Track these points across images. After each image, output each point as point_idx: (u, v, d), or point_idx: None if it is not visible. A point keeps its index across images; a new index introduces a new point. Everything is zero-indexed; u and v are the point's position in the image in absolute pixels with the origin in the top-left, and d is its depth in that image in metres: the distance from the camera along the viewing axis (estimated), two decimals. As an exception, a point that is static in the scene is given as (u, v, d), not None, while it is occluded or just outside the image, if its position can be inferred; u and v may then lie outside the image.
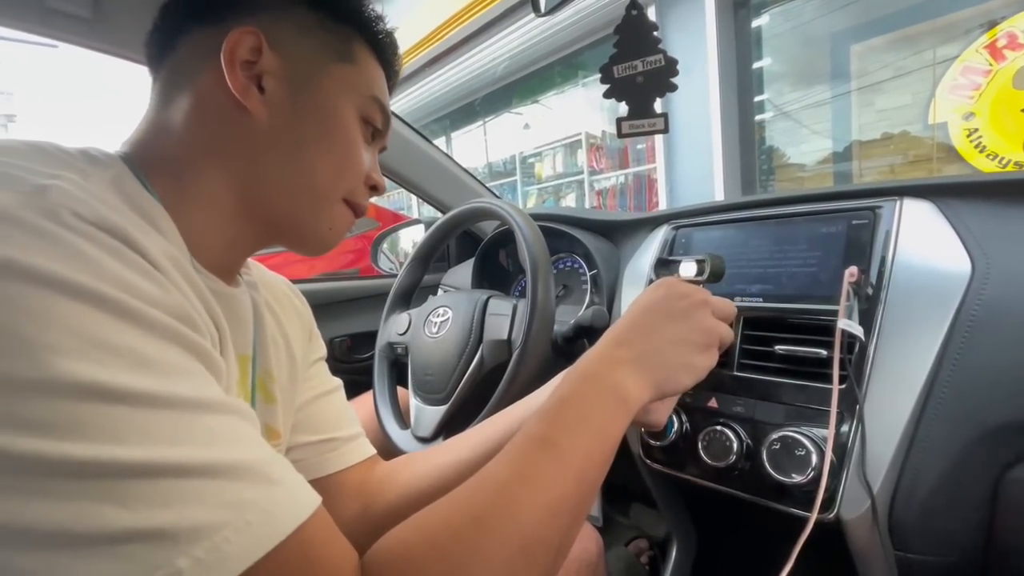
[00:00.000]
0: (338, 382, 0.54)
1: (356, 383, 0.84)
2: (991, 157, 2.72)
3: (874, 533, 0.45)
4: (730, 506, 0.56)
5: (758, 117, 3.53)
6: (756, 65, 3.47)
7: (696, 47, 3.27)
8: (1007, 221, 0.45)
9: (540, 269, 0.59)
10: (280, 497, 0.24)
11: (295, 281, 0.58)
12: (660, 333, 0.40)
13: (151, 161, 0.35)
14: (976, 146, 2.75)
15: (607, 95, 0.48)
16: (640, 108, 0.47)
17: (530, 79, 4.82)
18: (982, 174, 0.58)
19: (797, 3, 3.28)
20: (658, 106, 0.48)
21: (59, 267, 0.22)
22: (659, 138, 3.76)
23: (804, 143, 3.43)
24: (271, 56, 0.36)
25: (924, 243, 0.47)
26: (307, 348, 0.51)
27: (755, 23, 3.43)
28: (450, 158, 1.08)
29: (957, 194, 0.48)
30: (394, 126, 0.97)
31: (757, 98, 3.50)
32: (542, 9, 0.53)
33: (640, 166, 4.29)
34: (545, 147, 5.03)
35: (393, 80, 0.46)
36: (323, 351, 0.54)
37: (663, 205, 3.78)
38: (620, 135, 0.47)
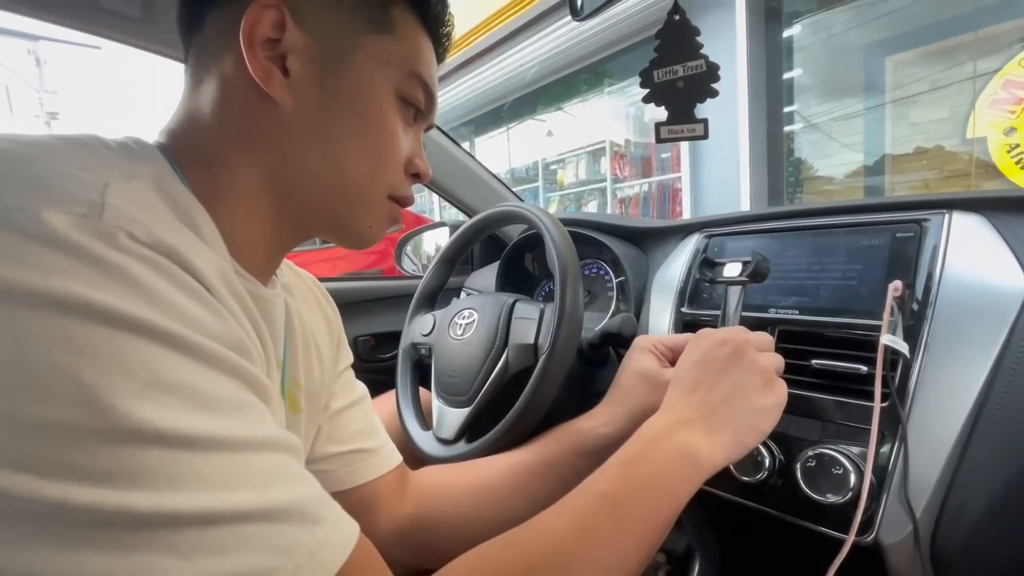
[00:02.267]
0: (364, 390, 0.53)
1: (379, 382, 0.84)
2: (1033, 174, 2.62)
3: (915, 559, 0.43)
4: (757, 523, 0.54)
5: (787, 128, 3.47)
6: (786, 76, 3.42)
7: (726, 56, 3.23)
8: (1066, 238, 0.43)
9: (569, 274, 0.59)
10: (326, 536, 0.24)
11: (321, 280, 0.58)
12: (718, 387, 0.39)
13: (185, 153, 0.32)
14: (1017, 162, 2.66)
15: (646, 100, 0.47)
16: (680, 113, 0.46)
17: (555, 86, 4.83)
18: None
19: (830, 14, 3.23)
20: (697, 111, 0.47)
21: (118, 301, 0.21)
22: (684, 147, 3.73)
23: (833, 156, 3.36)
24: (296, 33, 0.32)
25: (975, 258, 0.45)
26: (335, 356, 0.49)
27: (786, 33, 3.38)
28: (477, 161, 1.09)
29: (1011, 208, 0.46)
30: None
31: (786, 109, 3.44)
32: (581, 13, 0.53)
33: (664, 175, 4.26)
34: (568, 154, 5.03)
35: (443, 50, 0.41)
36: (350, 358, 0.52)
37: (687, 215, 3.74)
38: (658, 140, 0.47)
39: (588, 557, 0.30)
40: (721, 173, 3.48)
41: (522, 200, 1.17)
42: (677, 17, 0.45)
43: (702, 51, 0.45)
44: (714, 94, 0.46)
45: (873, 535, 0.43)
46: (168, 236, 0.24)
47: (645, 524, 0.33)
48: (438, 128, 1.01)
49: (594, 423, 0.50)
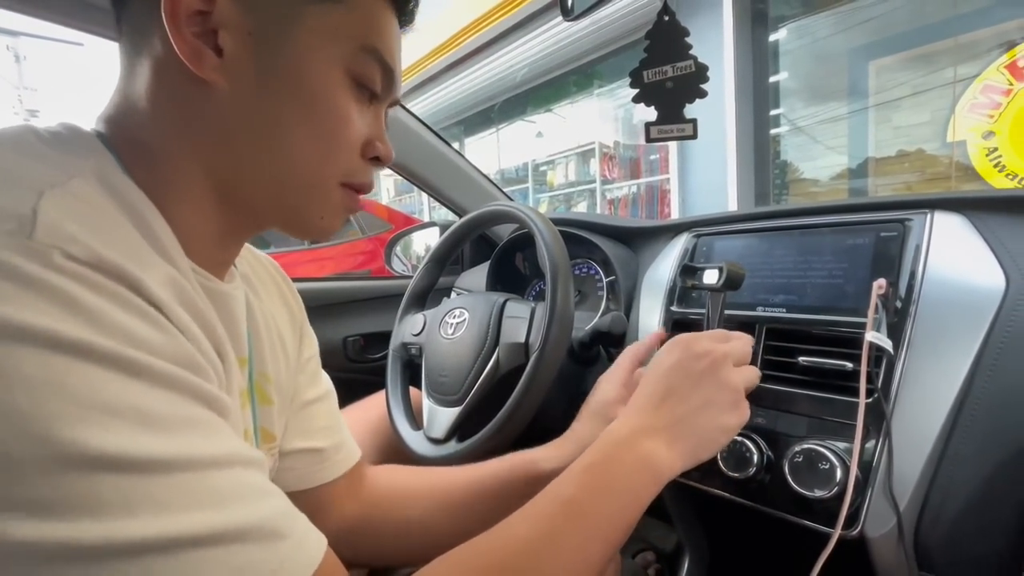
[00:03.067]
0: (329, 383, 0.52)
1: (369, 383, 0.84)
2: (1010, 176, 2.69)
3: (899, 552, 0.43)
4: (745, 519, 0.55)
5: (773, 131, 3.52)
6: (772, 79, 3.46)
7: (713, 59, 3.27)
8: (1043, 237, 0.44)
9: (560, 273, 0.59)
10: (290, 552, 0.24)
11: (305, 279, 0.57)
12: (688, 400, 0.40)
13: (126, 143, 0.30)
14: (995, 165, 2.73)
15: (636, 99, 0.48)
16: (669, 113, 0.46)
17: (545, 87, 4.85)
18: (1017, 189, 0.57)
19: (815, 18, 3.28)
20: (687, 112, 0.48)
21: (54, 323, 0.20)
22: (673, 149, 3.76)
23: (819, 159, 3.42)
24: (227, 5, 0.28)
25: (956, 257, 0.46)
26: (299, 345, 0.47)
27: (772, 37, 3.43)
28: (467, 160, 1.08)
29: (991, 208, 0.47)
30: (412, 126, 0.99)
31: (772, 112, 3.49)
32: (571, 13, 0.53)
33: (653, 176, 4.29)
34: (558, 155, 5.05)
35: (406, 17, 0.36)
36: (315, 347, 0.50)
37: (675, 216, 3.77)
38: (648, 140, 0.47)
39: (554, 560, 0.31)
40: (709, 175, 3.51)
41: (509, 197, 1.17)
42: (667, 18, 0.45)
43: (691, 52, 0.46)
44: (703, 94, 0.46)
45: (858, 529, 0.44)
46: (111, 251, 0.23)
47: (608, 527, 0.34)
48: (428, 127, 1.01)
49: (551, 455, 0.50)
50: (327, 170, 0.33)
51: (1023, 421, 0.40)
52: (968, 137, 2.79)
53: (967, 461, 0.41)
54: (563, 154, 4.99)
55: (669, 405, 0.39)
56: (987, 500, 0.41)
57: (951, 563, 0.43)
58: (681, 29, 0.45)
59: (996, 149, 2.71)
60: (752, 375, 0.43)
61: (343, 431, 0.50)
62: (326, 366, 0.53)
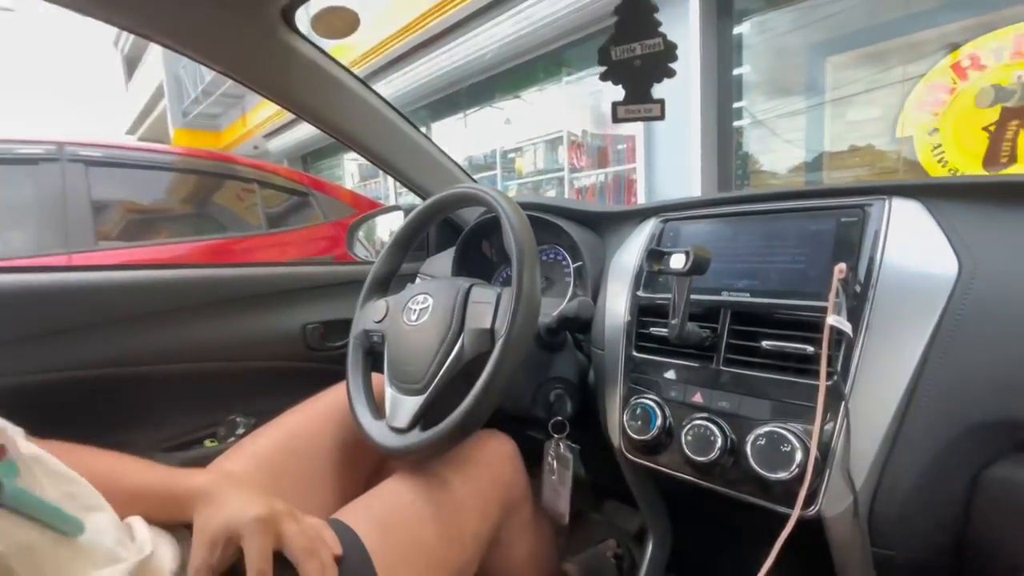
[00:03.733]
0: None
1: (330, 372, 0.81)
2: (952, 172, 2.83)
3: (854, 530, 0.45)
4: (707, 501, 0.55)
5: (735, 124, 3.59)
6: (736, 72, 3.53)
7: (679, 49, 3.29)
8: (994, 223, 0.46)
9: (526, 257, 0.57)
10: None
11: (263, 264, 0.53)
12: None
13: None
14: (939, 161, 2.87)
15: (603, 77, 0.46)
16: (637, 93, 0.45)
17: (513, 73, 4.79)
18: (970, 176, 0.59)
19: (776, 13, 3.35)
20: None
21: None
22: (640, 139, 3.80)
23: (777, 151, 3.52)
24: None
25: (912, 242, 0.47)
26: None
27: (736, 30, 3.48)
28: (433, 143, 1.05)
29: (945, 195, 0.48)
30: (377, 107, 0.95)
31: (735, 105, 3.56)
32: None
33: (620, 166, 4.32)
34: (526, 142, 5.02)
35: None
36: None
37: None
38: (615, 119, 0.46)
39: None
40: (674, 165, 3.57)
41: (473, 180, 1.15)
42: (636, -7, 0.44)
43: (660, 29, 0.45)
44: (671, 74, 0.45)
45: (816, 509, 0.45)
46: None
47: None
48: (393, 108, 0.97)
49: None
50: None
51: (971, 402, 0.42)
52: (915, 133, 2.93)
53: (919, 441, 0.43)
54: (531, 141, 4.97)
55: None
56: (937, 477, 0.43)
57: (901, 537, 0.45)
58: (650, 5, 0.44)
59: (940, 146, 2.86)
60: None
61: None
62: (285, 355, 0.49)
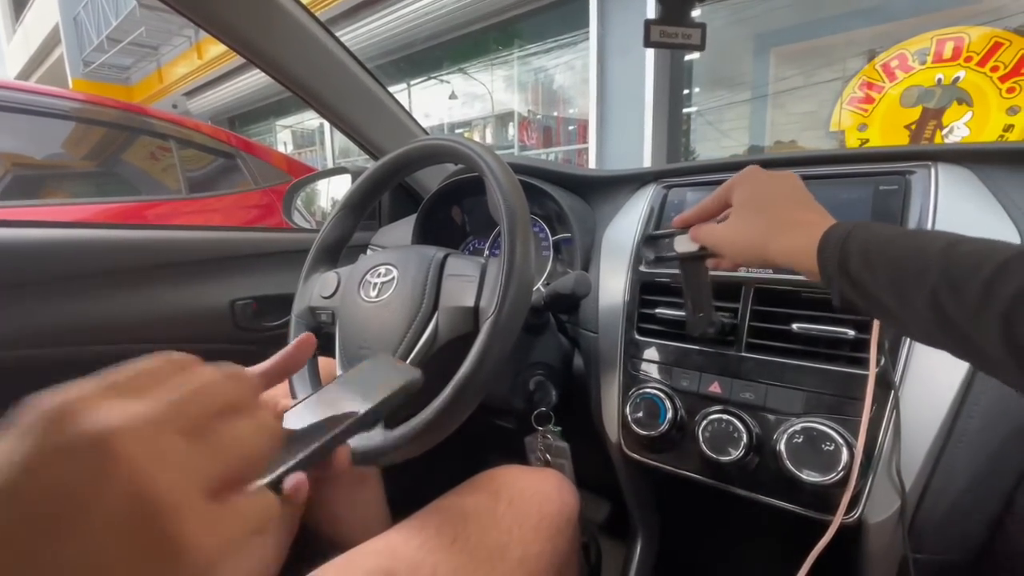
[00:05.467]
0: None
1: (263, 356, 0.67)
2: (878, 167, 3.02)
3: (896, 536, 0.40)
4: (705, 501, 0.49)
5: (684, 110, 3.64)
6: (687, 58, 3.56)
7: (635, 28, 3.26)
8: (1054, 193, 0.41)
9: (519, 224, 0.48)
10: None
11: (184, 227, 0.40)
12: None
13: None
14: (865, 156, 3.05)
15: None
16: (676, 11, 0.36)
17: (463, 42, 4.58)
18: (1018, 142, 0.56)
19: (724, 3, 3.39)
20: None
21: None
22: (592, 118, 3.75)
23: (722, 140, 3.61)
24: None
25: (964, 213, 0.42)
26: None
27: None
28: (390, 95, 0.92)
29: (998, 161, 0.44)
30: (330, 48, 0.80)
31: (685, 91, 3.61)
32: None
33: (570, 145, 4.28)
34: (475, 118, 4.86)
35: None
36: None
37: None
38: (647, 43, 0.37)
39: None
40: (625, 147, 3.57)
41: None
42: None
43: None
44: (717, -4, 0.36)
45: (858, 514, 0.39)
46: None
47: None
48: (346, 49, 0.82)
49: None
50: None
51: (1032, 394, 0.37)
52: (847, 127, 3.09)
53: (975, 437, 0.38)
54: (481, 117, 4.82)
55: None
56: (988, 477, 0.38)
57: (940, 541, 0.40)
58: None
59: (867, 141, 3.03)
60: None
61: None
62: (208, 336, 0.37)
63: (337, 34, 0.78)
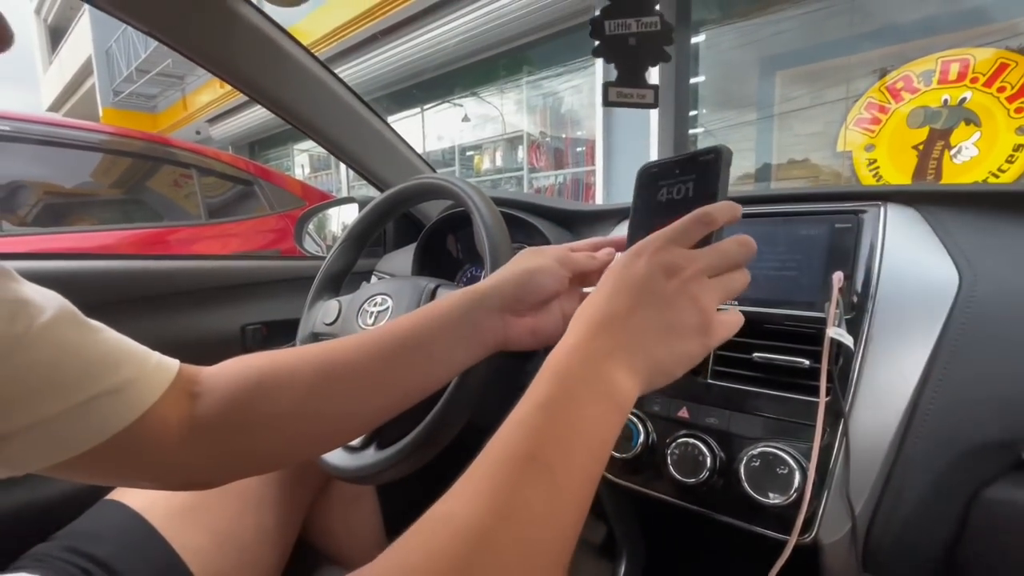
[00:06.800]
0: (59, 301, 0.34)
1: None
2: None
3: (850, 555, 0.42)
4: (687, 522, 0.52)
5: (691, 131, 3.69)
6: (692, 81, 3.62)
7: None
8: (991, 233, 0.44)
9: (501, 257, 0.52)
10: None
11: (198, 257, 0.45)
12: (647, 322, 0.31)
13: None
14: (873, 175, 3.05)
15: (595, 53, 0.41)
16: (630, 74, 0.41)
17: (474, 69, 4.73)
18: (967, 184, 0.58)
19: (730, 27, 3.47)
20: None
21: None
22: (599, 141, 3.82)
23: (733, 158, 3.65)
24: None
25: (910, 251, 0.45)
26: None
27: (693, 40, 3.57)
28: (393, 130, 0.97)
29: (941, 202, 0.47)
30: (333, 88, 0.86)
31: (691, 113, 3.66)
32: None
33: (579, 167, 4.35)
34: (486, 140, 4.97)
35: None
36: None
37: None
38: (606, 103, 0.41)
39: (524, 543, 0.24)
40: (631, 169, 3.61)
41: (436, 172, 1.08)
42: (636, -38, 0.39)
43: (657, 7, 0.40)
44: (667, 58, 0.41)
45: (813, 535, 0.42)
46: None
47: (580, 481, 0.27)
48: (351, 90, 0.89)
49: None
50: None
51: (973, 420, 0.40)
52: (854, 148, 3.10)
53: (921, 461, 0.40)
54: (491, 140, 4.92)
55: (621, 322, 0.32)
56: (937, 499, 0.41)
57: (895, 561, 0.42)
58: (651, -23, 0.39)
59: (875, 161, 3.04)
60: (733, 284, 0.35)
61: (125, 349, 0.35)
62: (220, 360, 0.42)
63: (355, 62, 0.83)
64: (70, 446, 0.31)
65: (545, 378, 0.30)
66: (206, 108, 7.50)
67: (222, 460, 0.38)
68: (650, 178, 0.41)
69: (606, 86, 0.41)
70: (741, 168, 3.57)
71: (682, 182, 0.37)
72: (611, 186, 3.78)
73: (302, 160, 7.73)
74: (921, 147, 2.96)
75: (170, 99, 8.69)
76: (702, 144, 3.68)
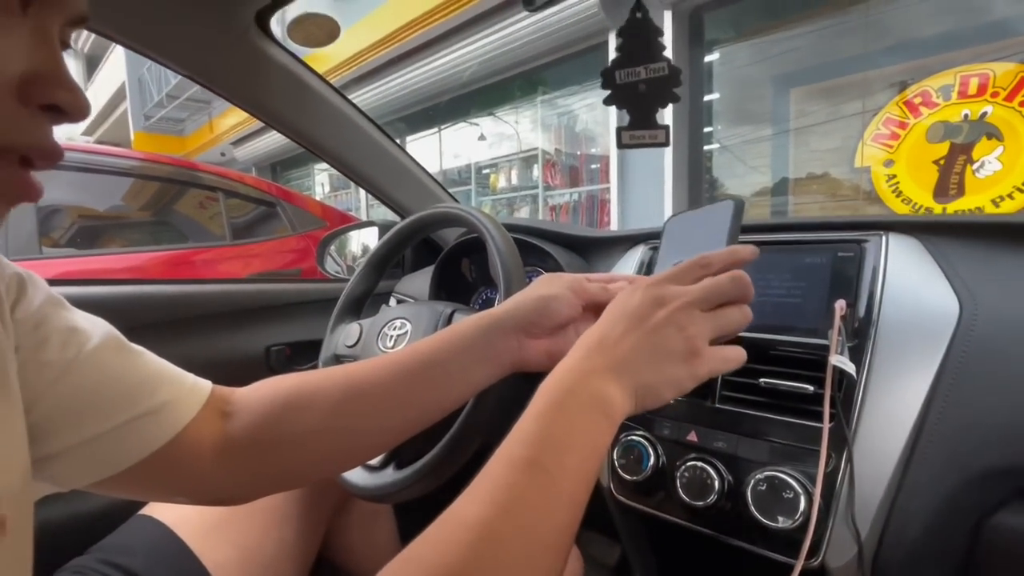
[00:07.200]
0: (104, 327, 0.37)
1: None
2: (906, 201, 2.98)
3: (858, 581, 0.42)
4: (697, 544, 0.53)
5: (705, 148, 3.70)
6: (706, 98, 3.65)
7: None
8: (992, 264, 0.45)
9: (513, 283, 0.54)
10: None
11: (224, 281, 0.49)
12: (636, 346, 0.35)
13: None
14: (893, 190, 3.02)
15: (607, 102, 0.44)
16: (642, 118, 0.43)
17: (489, 90, 4.83)
18: (968, 215, 0.59)
19: (743, 45, 3.49)
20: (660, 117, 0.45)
21: None
22: (613, 160, 3.86)
23: (744, 176, 3.64)
24: None
25: (911, 280, 0.46)
26: (5, 316, 0.32)
27: (706, 58, 3.61)
28: (411, 158, 1.02)
29: (942, 232, 0.48)
30: (354, 119, 0.91)
31: (705, 129, 3.68)
32: (534, 3, 0.49)
33: (594, 185, 4.38)
34: (501, 159, 5.04)
35: None
36: (42, 293, 0.35)
37: (614, 225, 3.87)
38: (620, 145, 0.44)
39: (523, 535, 0.27)
40: (646, 186, 3.64)
41: (456, 200, 1.12)
42: (639, 15, 0.42)
43: (665, 53, 0.43)
44: (676, 99, 0.44)
45: (820, 559, 0.43)
46: None
47: (574, 483, 0.30)
48: (370, 120, 0.93)
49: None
50: None
51: (976, 447, 0.40)
52: (872, 164, 3.08)
53: (925, 487, 0.41)
54: (507, 158, 4.99)
55: (614, 345, 0.35)
56: (942, 525, 0.41)
57: (905, 589, 0.43)
58: (655, 28, 0.42)
59: (895, 176, 3.00)
60: (726, 319, 0.37)
61: (164, 374, 0.39)
62: (246, 379, 0.45)
63: (374, 85, 0.87)
64: (112, 464, 0.35)
65: (542, 393, 0.33)
66: (231, 131, 7.76)
67: (253, 476, 0.41)
68: (673, 225, 0.46)
69: (619, 130, 0.44)
70: (759, 183, 3.56)
71: (698, 228, 0.40)
72: (625, 203, 3.80)
73: (322, 179, 7.93)
74: (942, 162, 2.92)
75: (197, 122, 9.03)
76: (717, 159, 3.69)
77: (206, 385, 0.41)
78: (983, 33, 2.76)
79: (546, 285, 0.47)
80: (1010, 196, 2.71)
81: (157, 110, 8.83)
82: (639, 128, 0.43)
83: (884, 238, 0.49)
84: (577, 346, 0.36)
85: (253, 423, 0.40)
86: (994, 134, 2.77)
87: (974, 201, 2.84)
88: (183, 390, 0.39)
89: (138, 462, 0.35)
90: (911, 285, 0.46)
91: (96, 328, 0.37)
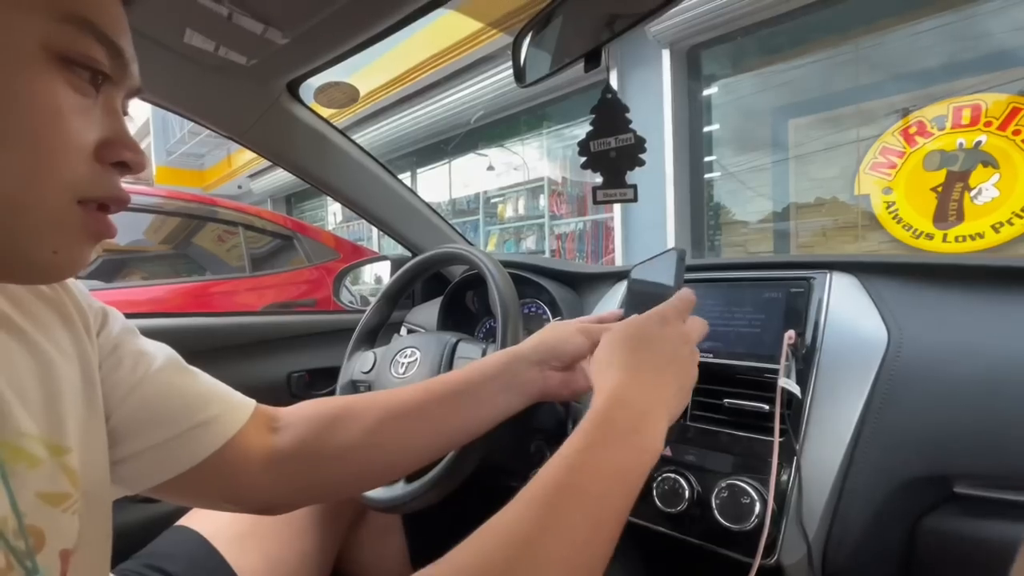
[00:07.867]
0: (167, 351, 0.44)
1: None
2: (906, 228, 3.04)
3: (810, 577, 0.48)
4: (674, 548, 0.59)
5: (707, 176, 3.80)
6: (706, 129, 3.77)
7: (654, 107, 3.53)
8: (919, 298, 0.52)
9: (510, 315, 0.62)
10: None
11: (245, 313, 0.56)
12: (657, 354, 0.40)
13: None
14: (893, 217, 3.07)
15: (584, 166, 0.53)
16: (613, 179, 0.52)
17: (497, 124, 5.00)
18: (896, 256, 0.66)
19: (742, 78, 3.62)
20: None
21: None
22: (617, 189, 3.95)
23: (747, 203, 3.73)
24: None
25: (849, 312, 0.54)
26: (93, 341, 0.39)
27: (705, 92, 3.75)
28: (418, 197, 1.11)
29: (875, 271, 0.55)
30: (371, 168, 1.01)
31: (706, 159, 3.78)
32: (524, 80, 0.58)
33: (598, 215, 4.48)
34: (509, 189, 5.18)
35: None
36: (119, 323, 0.42)
37: (619, 252, 3.96)
38: (595, 202, 0.52)
39: (561, 554, 0.28)
40: (649, 215, 3.73)
41: (463, 236, 1.21)
42: (609, 96, 0.51)
43: (631, 126, 0.52)
44: (641, 163, 0.52)
45: (775, 558, 0.49)
46: None
47: (611, 510, 0.31)
48: (386, 169, 1.03)
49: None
50: (44, 184, 0.25)
51: (905, 458, 0.47)
52: (871, 191, 3.15)
53: (862, 493, 0.47)
54: (514, 188, 5.13)
55: (642, 367, 0.39)
56: (879, 527, 0.47)
57: (852, 584, 0.49)
58: (622, 106, 0.51)
59: (894, 203, 3.07)
60: (698, 324, 0.45)
61: (214, 391, 0.45)
62: (269, 403, 0.52)
63: (387, 121, 0.95)
64: (171, 468, 0.41)
65: (587, 426, 0.35)
66: (247, 165, 8.07)
67: (297, 487, 0.47)
68: (636, 273, 0.57)
69: (594, 189, 0.53)
70: (766, 209, 3.63)
71: (652, 274, 0.50)
72: (629, 231, 3.89)
73: (335, 209, 8.15)
74: (940, 189, 2.97)
75: (216, 157, 9.38)
76: (719, 186, 3.79)
77: (250, 403, 0.48)
78: (973, 65, 2.85)
79: (559, 329, 0.54)
80: (1009, 222, 2.76)
81: (179, 146, 9.23)
82: (611, 188, 0.51)
83: (828, 276, 0.57)
84: (607, 381, 0.39)
85: (299, 436, 0.46)
86: (989, 162, 2.83)
87: (974, 227, 2.88)
88: (231, 405, 0.46)
89: (194, 467, 0.42)
90: (849, 317, 0.53)
91: (160, 352, 0.44)
